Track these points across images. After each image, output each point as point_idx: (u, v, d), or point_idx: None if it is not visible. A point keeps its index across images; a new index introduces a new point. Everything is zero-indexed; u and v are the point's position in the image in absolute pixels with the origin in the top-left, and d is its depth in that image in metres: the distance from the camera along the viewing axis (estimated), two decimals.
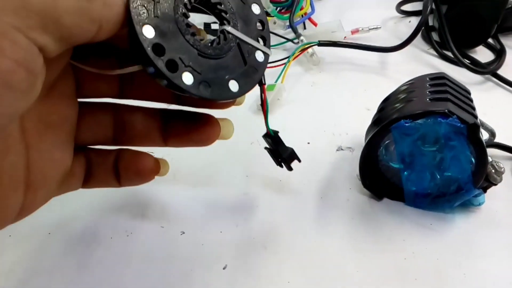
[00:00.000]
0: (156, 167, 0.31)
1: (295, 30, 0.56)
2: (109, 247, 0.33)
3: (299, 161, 0.35)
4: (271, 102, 0.47)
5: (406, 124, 0.34)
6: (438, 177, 0.37)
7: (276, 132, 0.34)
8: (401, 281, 0.33)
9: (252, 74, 0.28)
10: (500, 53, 0.64)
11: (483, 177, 0.36)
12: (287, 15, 0.59)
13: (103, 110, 0.30)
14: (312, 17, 0.63)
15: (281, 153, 0.34)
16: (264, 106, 0.31)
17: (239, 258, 0.34)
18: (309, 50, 0.54)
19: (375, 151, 0.38)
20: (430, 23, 0.66)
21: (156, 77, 0.24)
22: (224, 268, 0.33)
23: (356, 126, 0.44)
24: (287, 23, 0.58)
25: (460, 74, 0.59)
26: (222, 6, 0.28)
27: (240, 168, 0.41)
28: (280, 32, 0.60)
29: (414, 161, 0.37)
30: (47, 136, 0.25)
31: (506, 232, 0.38)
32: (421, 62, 0.61)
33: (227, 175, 0.40)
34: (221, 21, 0.28)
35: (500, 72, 0.60)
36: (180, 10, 0.25)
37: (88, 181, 0.30)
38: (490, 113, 0.53)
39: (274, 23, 0.58)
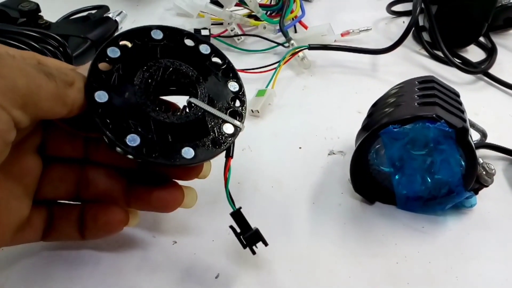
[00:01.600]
0: (125, 219, 0.31)
1: (285, 34, 0.57)
2: (100, 258, 0.33)
3: (265, 244, 0.30)
4: (263, 108, 0.47)
5: (395, 130, 0.34)
6: (429, 180, 0.38)
7: (238, 209, 0.31)
8: (393, 286, 0.33)
9: (214, 145, 0.29)
10: (491, 52, 0.64)
11: (473, 180, 0.36)
12: (277, 19, 0.59)
13: (67, 167, 0.30)
14: (303, 20, 0.63)
15: (242, 233, 0.30)
16: (225, 179, 0.31)
17: (231, 266, 0.34)
18: (300, 54, 0.54)
19: (366, 156, 0.38)
20: (421, 23, 0.66)
21: (101, 135, 0.26)
22: (216, 277, 0.33)
23: (347, 130, 0.44)
24: (278, 27, 0.58)
25: (451, 74, 0.59)
26: (188, 80, 0.30)
27: (231, 175, 0.40)
28: (271, 36, 0.60)
29: (405, 165, 0.37)
30: (6, 185, 0.26)
31: (498, 233, 0.39)
32: (412, 62, 0.61)
33: (218, 182, 0.40)
34: (189, 93, 0.30)
35: (491, 71, 0.60)
36: (141, 80, 0.28)
37: (49, 234, 0.30)
38: (482, 112, 0.53)
39: (264, 27, 0.58)
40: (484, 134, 0.46)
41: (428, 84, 0.38)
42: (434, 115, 0.33)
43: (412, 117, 0.34)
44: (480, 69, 0.58)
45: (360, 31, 0.62)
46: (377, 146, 0.38)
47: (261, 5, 0.60)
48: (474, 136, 0.46)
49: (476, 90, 0.58)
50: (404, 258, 0.36)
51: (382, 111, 0.37)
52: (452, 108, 0.35)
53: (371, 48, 0.57)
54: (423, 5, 0.60)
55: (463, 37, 0.63)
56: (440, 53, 0.59)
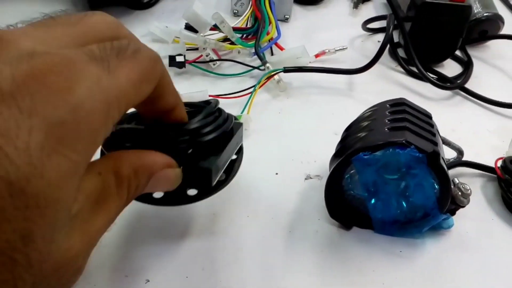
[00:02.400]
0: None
1: (260, 57, 0.56)
2: None
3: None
4: None
5: (365, 157, 0.34)
6: (404, 204, 0.37)
7: None
8: None
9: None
10: (467, 66, 0.64)
11: (448, 203, 0.36)
12: (253, 41, 0.59)
13: None
14: (279, 41, 0.63)
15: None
16: None
17: None
18: (276, 76, 0.54)
19: (340, 182, 0.38)
20: (397, 40, 0.66)
21: None
22: None
23: (324, 152, 0.43)
24: (253, 50, 0.58)
25: (427, 90, 0.59)
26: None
27: (206, 206, 0.40)
28: (247, 59, 0.59)
29: (379, 190, 0.37)
30: None
31: (476, 254, 0.39)
32: (389, 80, 0.61)
33: (193, 213, 0.40)
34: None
35: (468, 85, 0.60)
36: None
37: None
38: (459, 128, 0.53)
39: (239, 52, 0.58)
40: (460, 152, 0.46)
41: (399, 107, 0.38)
42: (403, 141, 0.33)
43: (382, 143, 0.33)
44: (456, 84, 0.58)
45: (336, 50, 0.62)
46: (351, 172, 0.38)
47: (235, 29, 0.60)
48: (451, 154, 0.46)
49: (453, 105, 0.58)
50: (382, 285, 0.35)
51: (355, 136, 0.37)
52: (422, 132, 0.35)
53: (345, 69, 0.57)
54: (396, 22, 0.60)
55: (439, 53, 0.63)
56: (416, 69, 0.60)
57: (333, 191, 0.38)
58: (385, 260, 0.37)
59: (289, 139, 0.49)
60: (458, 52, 0.68)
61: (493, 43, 0.71)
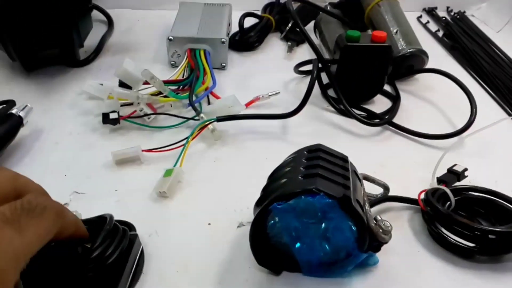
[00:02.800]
0: None
1: (194, 108, 0.58)
2: None
3: None
4: (171, 188, 0.48)
5: (280, 206, 0.35)
6: (327, 246, 0.39)
7: None
8: None
9: None
10: (396, 100, 0.67)
11: (366, 242, 0.38)
12: (187, 93, 0.61)
13: None
14: (216, 89, 0.65)
15: None
16: None
17: None
18: (210, 126, 0.56)
19: (263, 229, 0.39)
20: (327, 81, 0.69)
21: None
22: None
23: (256, 198, 0.45)
24: (188, 102, 0.60)
25: (358, 128, 0.62)
26: None
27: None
28: (182, 110, 0.61)
29: (301, 234, 0.38)
30: None
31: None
32: (320, 120, 0.64)
33: None
34: None
35: (397, 118, 0.63)
36: None
37: None
38: (388, 163, 0.55)
39: (171, 105, 0.60)
40: (386, 188, 0.48)
41: (314, 153, 0.40)
42: (314, 189, 0.34)
43: (295, 192, 0.35)
44: (384, 120, 0.61)
45: (270, 95, 0.64)
46: (275, 218, 0.39)
47: (170, 82, 0.62)
48: (378, 190, 0.48)
49: (382, 140, 0.60)
50: None
51: (274, 184, 0.39)
52: (335, 177, 0.37)
53: (276, 114, 0.59)
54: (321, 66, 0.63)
55: (366, 91, 0.66)
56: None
57: (258, 239, 0.39)
58: None
59: (223, 187, 0.50)
60: (388, 88, 0.71)
61: (421, 76, 0.75)
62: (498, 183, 0.52)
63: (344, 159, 0.41)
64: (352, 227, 0.37)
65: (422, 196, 0.46)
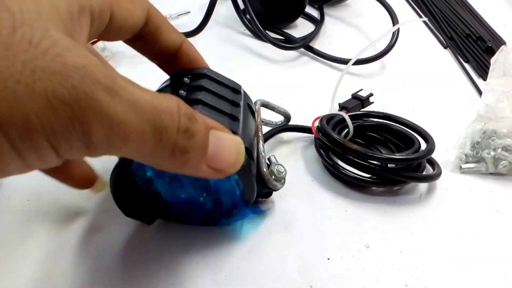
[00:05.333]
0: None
1: None
2: None
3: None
4: None
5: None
6: (208, 196, 0.33)
7: None
8: None
9: None
10: (320, 25, 0.62)
11: (253, 196, 0.32)
12: None
13: None
14: None
15: None
16: None
17: None
18: (100, 44, 0.49)
19: (130, 177, 0.31)
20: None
21: None
22: None
23: None
24: None
25: (274, 52, 0.56)
26: None
27: None
28: None
29: (178, 183, 0.31)
30: None
31: (292, 233, 0.35)
32: (234, 43, 0.58)
33: None
34: None
35: (318, 44, 0.58)
36: None
37: None
38: (299, 89, 0.51)
39: None
40: (286, 116, 0.43)
41: (195, 82, 0.31)
42: None
43: None
44: (299, 44, 0.55)
45: (179, 15, 0.58)
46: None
47: None
48: (278, 118, 0.43)
49: (297, 66, 0.55)
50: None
51: None
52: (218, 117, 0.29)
53: None
54: None
55: (286, 14, 0.60)
56: (268, 32, 0.56)
57: (123, 188, 0.31)
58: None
59: None
60: (316, 13, 0.66)
61: (353, 1, 0.69)
62: (414, 111, 0.48)
63: (236, 89, 0.34)
64: (237, 178, 0.31)
65: (317, 123, 0.41)
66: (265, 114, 0.40)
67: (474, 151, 0.40)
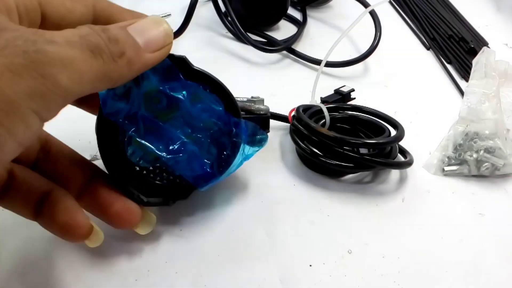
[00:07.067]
0: (85, 229, 0.27)
1: None
2: None
3: None
4: None
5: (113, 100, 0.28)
6: (202, 139, 0.31)
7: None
8: None
9: None
10: (302, 27, 0.61)
11: (236, 104, 0.31)
12: None
13: None
14: None
15: None
16: None
17: None
18: None
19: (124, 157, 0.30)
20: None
21: None
22: None
23: None
24: None
25: (256, 55, 0.56)
26: None
27: None
28: None
29: (168, 140, 0.30)
30: None
31: (274, 240, 0.34)
32: (216, 46, 0.57)
33: None
34: None
35: (301, 46, 0.58)
36: None
37: (1, 198, 0.27)
38: (280, 92, 0.50)
39: None
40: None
41: None
42: None
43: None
44: (280, 47, 0.55)
45: (161, 17, 0.57)
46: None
47: None
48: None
49: (279, 69, 0.55)
50: (147, 272, 0.31)
51: None
52: None
53: None
54: None
55: (269, 16, 0.60)
56: (249, 35, 0.56)
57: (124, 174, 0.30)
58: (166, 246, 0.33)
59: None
60: (298, 15, 0.65)
61: (336, 3, 0.69)
62: (397, 114, 0.48)
63: None
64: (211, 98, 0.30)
65: (294, 113, 0.41)
66: None
67: (457, 154, 0.40)
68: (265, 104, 0.40)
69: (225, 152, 0.32)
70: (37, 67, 0.19)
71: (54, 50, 0.20)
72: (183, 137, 0.30)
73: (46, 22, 0.24)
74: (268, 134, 0.38)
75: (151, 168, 0.32)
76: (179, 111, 0.30)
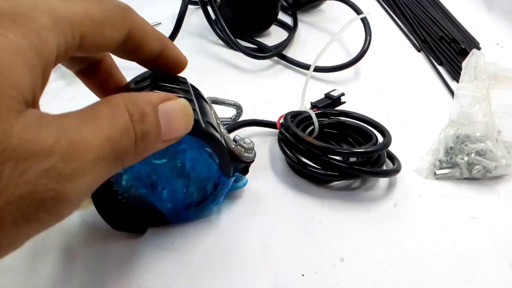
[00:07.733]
0: None
1: None
2: None
3: None
4: None
5: None
6: (189, 183, 0.33)
7: None
8: None
9: None
10: (293, 32, 0.61)
11: (230, 165, 0.32)
12: None
13: None
14: None
15: None
16: None
17: None
18: None
19: (110, 188, 0.31)
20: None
21: None
22: None
23: None
24: None
25: (246, 62, 0.56)
26: None
27: None
28: None
29: (156, 179, 0.32)
30: None
31: (266, 249, 0.34)
32: (206, 54, 0.57)
33: None
34: None
35: (292, 51, 0.58)
36: None
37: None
38: (272, 98, 0.50)
39: None
40: (238, 107, 0.43)
41: (141, 83, 0.30)
42: None
43: None
44: (271, 53, 0.55)
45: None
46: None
47: None
48: (231, 112, 0.43)
49: (271, 75, 0.55)
50: (139, 287, 0.31)
51: None
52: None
53: None
54: None
55: (259, 22, 0.60)
56: (240, 41, 0.56)
57: (107, 199, 0.31)
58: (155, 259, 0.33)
59: None
60: (289, 20, 0.65)
61: (327, 7, 0.69)
62: (388, 117, 0.48)
63: (183, 81, 0.33)
64: (210, 152, 0.31)
65: (282, 120, 0.41)
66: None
67: (448, 157, 0.40)
68: (233, 100, 0.42)
69: (205, 198, 0.34)
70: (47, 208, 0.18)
71: (71, 188, 0.18)
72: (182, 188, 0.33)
73: (81, 48, 0.22)
74: (257, 141, 0.38)
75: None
76: (176, 162, 0.31)
